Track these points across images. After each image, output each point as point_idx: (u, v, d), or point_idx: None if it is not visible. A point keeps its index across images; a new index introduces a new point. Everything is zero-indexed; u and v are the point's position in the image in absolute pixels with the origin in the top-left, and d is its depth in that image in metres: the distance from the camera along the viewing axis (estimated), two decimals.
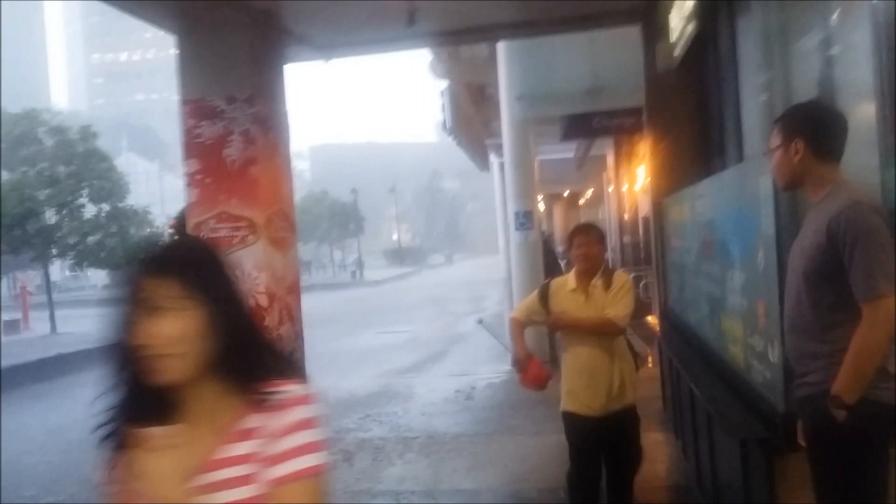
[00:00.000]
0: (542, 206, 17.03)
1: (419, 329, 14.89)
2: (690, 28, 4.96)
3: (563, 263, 15.30)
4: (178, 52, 5.05)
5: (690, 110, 5.75)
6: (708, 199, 3.85)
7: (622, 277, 3.59)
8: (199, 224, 4.95)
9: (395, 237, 60.80)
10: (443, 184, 65.96)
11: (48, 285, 18.89)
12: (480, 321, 14.56)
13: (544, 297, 3.65)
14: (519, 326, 3.74)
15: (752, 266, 2.78)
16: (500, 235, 14.00)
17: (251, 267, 4.94)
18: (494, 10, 5.52)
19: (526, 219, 8.92)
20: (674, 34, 5.37)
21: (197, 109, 4.95)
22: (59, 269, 32.61)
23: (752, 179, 2.75)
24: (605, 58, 8.05)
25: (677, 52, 5.35)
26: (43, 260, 18.46)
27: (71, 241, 18.30)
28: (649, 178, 5.77)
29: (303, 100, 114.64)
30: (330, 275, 37.26)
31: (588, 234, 3.62)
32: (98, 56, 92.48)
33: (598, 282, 3.53)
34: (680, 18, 5.18)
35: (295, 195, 5.69)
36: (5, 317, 18.24)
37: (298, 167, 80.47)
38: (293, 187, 5.52)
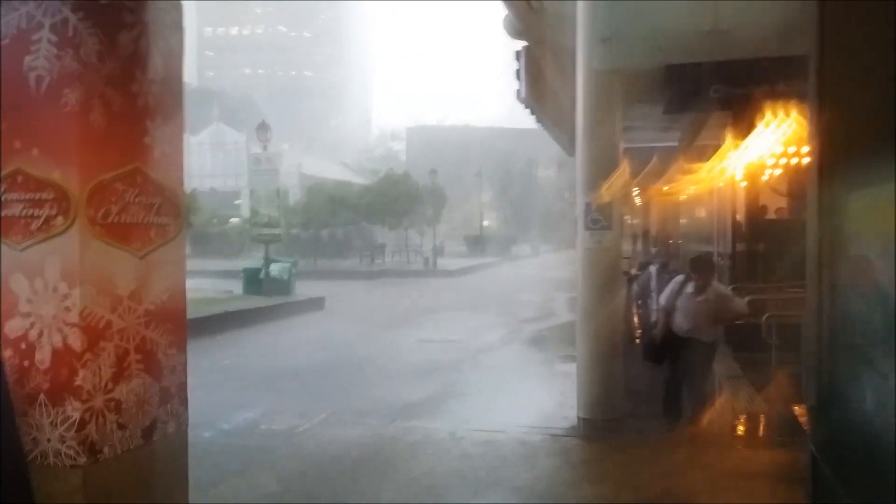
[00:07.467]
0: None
1: (469, 340, 12.47)
2: None
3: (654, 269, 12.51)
4: None
5: None
6: None
7: None
8: None
9: (485, 223, 58.29)
10: (537, 172, 62.72)
11: None
12: None
13: None
14: None
15: None
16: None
17: (56, 276, 2.77)
18: None
19: (601, 215, 6.34)
20: None
21: None
22: None
23: None
24: None
25: None
26: None
27: None
28: (812, 159, 3.24)
29: (399, 78, 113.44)
30: (402, 261, 35.18)
31: None
32: (210, 29, 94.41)
33: None
34: None
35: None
36: None
37: (394, 148, 79.17)
38: (182, 134, 3.28)
